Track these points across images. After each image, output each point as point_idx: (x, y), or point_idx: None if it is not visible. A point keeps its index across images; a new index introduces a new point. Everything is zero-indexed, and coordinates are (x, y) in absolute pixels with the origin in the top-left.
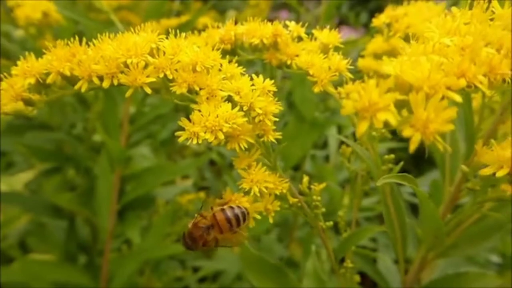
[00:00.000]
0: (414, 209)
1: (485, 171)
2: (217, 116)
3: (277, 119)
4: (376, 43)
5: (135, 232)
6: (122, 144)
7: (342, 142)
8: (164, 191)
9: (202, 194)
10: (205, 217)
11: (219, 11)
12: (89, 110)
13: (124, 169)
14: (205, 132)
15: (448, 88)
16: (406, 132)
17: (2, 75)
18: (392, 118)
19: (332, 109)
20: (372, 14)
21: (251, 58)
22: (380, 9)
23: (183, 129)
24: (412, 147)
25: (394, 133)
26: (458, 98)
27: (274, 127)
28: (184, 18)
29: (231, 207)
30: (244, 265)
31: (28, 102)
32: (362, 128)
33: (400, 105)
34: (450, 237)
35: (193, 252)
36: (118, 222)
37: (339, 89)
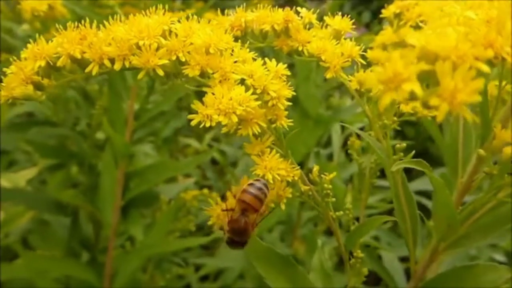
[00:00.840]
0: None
1: (508, 149)
2: (231, 99)
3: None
4: (386, 35)
5: (139, 229)
6: (127, 140)
7: (346, 140)
8: (167, 188)
9: (206, 191)
10: (233, 209)
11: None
12: (93, 106)
13: (128, 165)
14: (218, 115)
15: (476, 59)
16: (433, 102)
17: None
18: (418, 88)
19: (335, 107)
20: (374, 14)
21: (261, 45)
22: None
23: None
24: (440, 117)
25: (398, 132)
26: (486, 68)
27: (287, 113)
28: (188, 11)
29: (251, 184)
30: (252, 257)
31: (38, 86)
32: (386, 99)
33: (424, 78)
34: (462, 227)
35: (195, 249)
36: (121, 219)
37: (350, 77)
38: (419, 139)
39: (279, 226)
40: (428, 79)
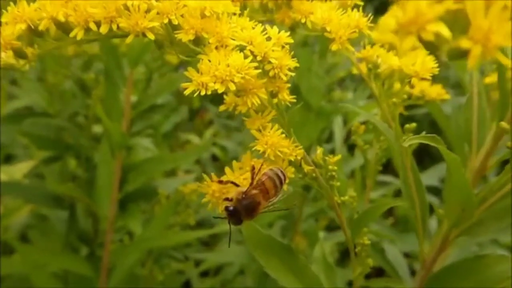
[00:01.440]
0: None
1: None
2: (228, 66)
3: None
4: (392, 16)
5: (137, 223)
6: (124, 130)
7: (348, 134)
8: (166, 182)
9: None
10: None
11: None
12: (90, 97)
13: (126, 158)
14: (214, 82)
15: None
16: (465, 44)
17: None
18: (445, 29)
19: (337, 101)
20: (376, 11)
21: (262, 19)
22: (384, 5)
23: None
24: (472, 62)
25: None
26: None
27: (289, 85)
28: None
29: (272, 169)
30: (251, 246)
31: (19, 54)
32: (407, 44)
33: (450, 20)
34: (476, 212)
35: (195, 245)
36: (119, 213)
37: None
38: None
39: (280, 221)
40: (454, 23)
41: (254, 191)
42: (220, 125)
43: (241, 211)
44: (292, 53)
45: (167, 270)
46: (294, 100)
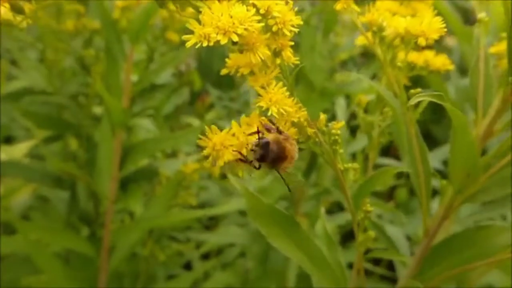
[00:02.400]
0: None
1: None
2: (231, 17)
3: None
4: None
5: (138, 203)
6: (125, 107)
7: (350, 116)
8: (167, 163)
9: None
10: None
11: None
12: (90, 75)
13: (126, 139)
14: (217, 34)
15: None
16: None
17: None
18: None
19: (340, 82)
20: None
21: None
22: None
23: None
24: None
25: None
26: None
27: (292, 43)
28: None
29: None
30: (253, 216)
31: (16, 9)
32: None
33: None
34: (481, 178)
35: (196, 228)
36: (120, 194)
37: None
38: (422, 121)
39: (281, 202)
40: None
41: (284, 138)
42: (221, 107)
43: (273, 153)
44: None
45: (168, 250)
46: (298, 62)
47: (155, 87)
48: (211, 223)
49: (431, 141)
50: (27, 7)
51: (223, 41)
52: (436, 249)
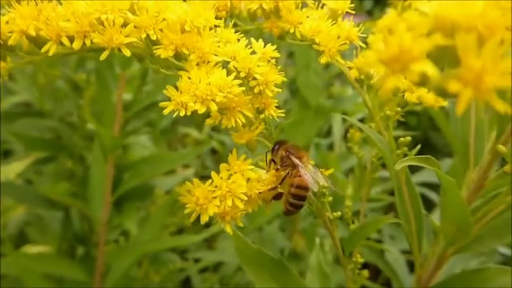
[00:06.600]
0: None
1: None
2: (209, 84)
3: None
4: (389, 18)
5: (133, 222)
6: (116, 132)
7: (347, 129)
8: (163, 180)
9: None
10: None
11: None
12: (82, 97)
13: (121, 158)
14: (194, 102)
15: (508, 29)
16: (453, 87)
17: None
18: (431, 69)
19: (336, 97)
20: (376, 0)
21: (249, 28)
22: None
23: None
24: (462, 107)
25: (400, 122)
26: None
27: (276, 101)
28: None
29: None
30: (241, 259)
31: None
32: (389, 84)
33: (438, 57)
34: (473, 229)
35: (194, 243)
36: (115, 212)
37: (349, 62)
38: (421, 128)
39: (278, 220)
40: (443, 59)
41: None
42: None
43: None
44: (280, 67)
45: (164, 270)
46: (283, 115)
47: (149, 105)
48: (210, 237)
49: (430, 148)
50: (2, 65)
51: (201, 110)
52: None
